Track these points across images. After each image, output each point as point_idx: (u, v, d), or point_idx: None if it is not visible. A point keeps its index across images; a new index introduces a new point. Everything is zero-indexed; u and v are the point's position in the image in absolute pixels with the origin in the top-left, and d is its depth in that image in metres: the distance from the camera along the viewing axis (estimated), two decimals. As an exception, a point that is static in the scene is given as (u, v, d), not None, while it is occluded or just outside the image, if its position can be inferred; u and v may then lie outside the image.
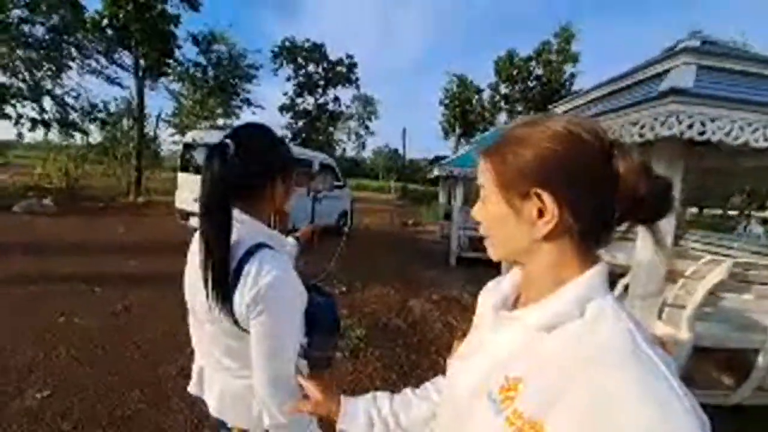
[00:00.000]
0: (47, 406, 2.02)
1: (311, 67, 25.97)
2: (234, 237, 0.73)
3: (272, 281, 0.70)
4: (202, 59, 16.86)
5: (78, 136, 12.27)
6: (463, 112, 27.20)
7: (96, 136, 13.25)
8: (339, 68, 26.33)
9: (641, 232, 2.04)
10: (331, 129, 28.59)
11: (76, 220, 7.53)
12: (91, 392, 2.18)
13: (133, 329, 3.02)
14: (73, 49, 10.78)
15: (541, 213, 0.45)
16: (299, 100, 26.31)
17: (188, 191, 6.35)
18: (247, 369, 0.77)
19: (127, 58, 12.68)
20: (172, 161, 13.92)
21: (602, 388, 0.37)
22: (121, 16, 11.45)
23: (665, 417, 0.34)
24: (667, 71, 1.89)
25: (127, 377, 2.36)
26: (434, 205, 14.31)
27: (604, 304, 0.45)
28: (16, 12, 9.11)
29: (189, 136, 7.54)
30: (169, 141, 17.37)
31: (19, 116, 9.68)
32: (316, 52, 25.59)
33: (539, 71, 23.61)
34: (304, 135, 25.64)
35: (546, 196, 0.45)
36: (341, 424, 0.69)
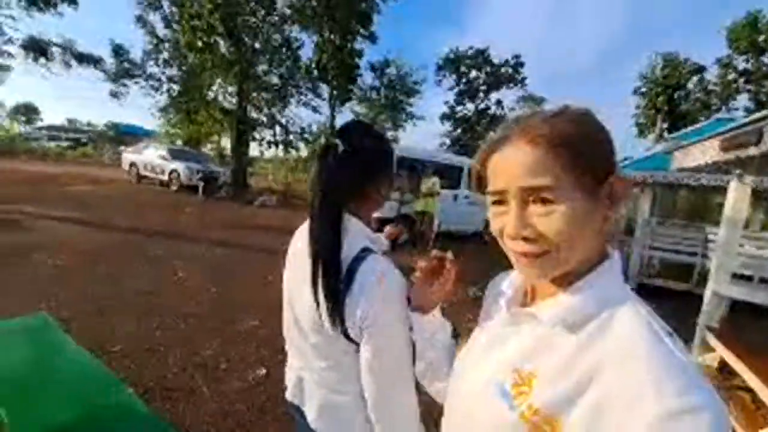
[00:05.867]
0: (257, 330, 2.96)
1: (473, 74, 25.94)
2: (342, 241, 0.69)
3: (386, 291, 0.66)
4: (377, 83, 19.69)
5: (293, 152, 16.69)
6: (670, 100, 21.03)
7: (304, 152, 17.68)
8: (503, 70, 25.25)
9: None
10: (491, 134, 27.70)
11: (286, 212, 10.27)
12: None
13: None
14: (293, 89, 14.71)
15: (614, 196, 0.44)
16: (459, 108, 26.71)
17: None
18: (350, 383, 0.72)
19: (324, 91, 16.27)
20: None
21: (621, 381, 0.37)
22: (323, 58, 14.85)
23: (687, 408, 0.33)
24: None
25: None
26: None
27: (622, 298, 0.44)
28: (261, 67, 13.22)
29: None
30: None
31: (262, 139, 14.03)
32: (479, 57, 25.38)
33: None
34: (461, 142, 25.86)
35: (617, 177, 0.44)
36: (426, 316, 0.68)
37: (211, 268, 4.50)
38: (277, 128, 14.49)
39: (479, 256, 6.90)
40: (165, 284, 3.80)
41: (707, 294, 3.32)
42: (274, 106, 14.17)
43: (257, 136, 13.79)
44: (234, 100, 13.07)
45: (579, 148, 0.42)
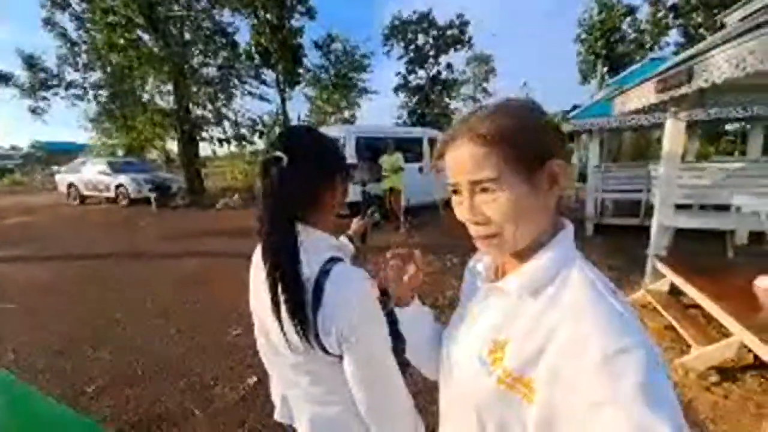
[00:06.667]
0: (241, 339, 2.90)
1: (421, 40, 25.47)
2: (302, 255, 0.65)
3: (360, 302, 0.64)
4: (324, 61, 18.88)
5: (248, 146, 15.86)
6: (608, 44, 21.89)
7: (260, 144, 16.88)
8: (450, 32, 24.98)
9: None
10: (446, 100, 27.75)
11: (252, 210, 9.90)
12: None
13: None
14: (235, 79, 13.79)
15: (554, 180, 0.49)
16: (411, 77, 26.35)
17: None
18: (338, 394, 0.70)
19: (270, 77, 15.41)
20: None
21: (572, 335, 0.42)
22: (262, 41, 13.93)
23: (621, 344, 0.39)
24: None
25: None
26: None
27: (573, 262, 0.49)
28: (196, 59, 12.24)
29: (320, 133, 8.83)
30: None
31: (211, 137, 13.21)
32: (425, 21, 24.87)
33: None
34: (419, 112, 25.74)
35: (556, 164, 0.48)
36: (408, 309, 0.71)
37: (181, 282, 4.31)
38: (226, 124, 13.65)
39: (455, 224, 7.10)
40: (134, 308, 3.60)
41: (653, 226, 3.63)
42: (218, 100, 13.26)
43: (206, 134, 12.92)
44: (172, 99, 12.08)
45: (516, 142, 0.47)
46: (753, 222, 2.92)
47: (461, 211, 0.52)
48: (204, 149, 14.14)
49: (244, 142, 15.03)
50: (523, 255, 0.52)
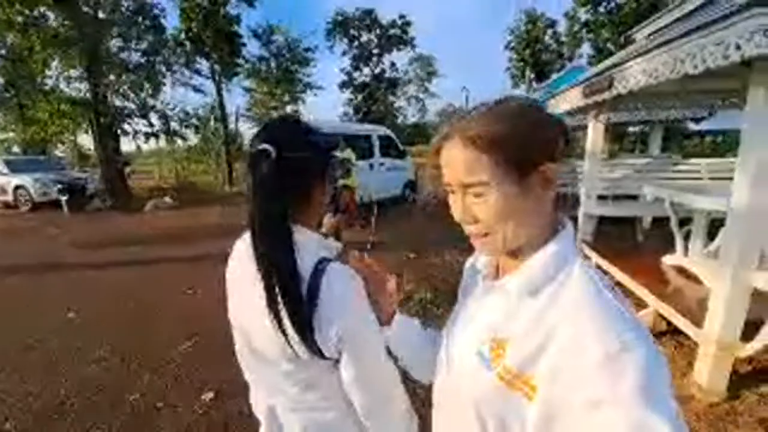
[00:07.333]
0: (192, 351, 2.65)
1: (364, 37, 25.50)
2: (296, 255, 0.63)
3: (356, 302, 0.64)
4: (264, 52, 17.92)
5: (180, 141, 14.47)
6: (534, 53, 24.10)
7: (193, 139, 15.48)
8: (392, 31, 25.37)
9: (738, 168, 1.73)
10: (390, 98, 28.18)
11: (188, 212, 9.06)
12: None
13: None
14: (163, 68, 12.46)
15: (547, 182, 0.49)
16: (356, 74, 26.29)
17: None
18: (333, 399, 0.69)
19: (204, 66, 14.19)
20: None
21: (572, 333, 0.43)
22: (193, 27, 12.75)
23: (621, 344, 0.39)
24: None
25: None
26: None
27: (574, 262, 0.49)
28: (114, 42, 10.81)
29: (263, 128, 8.38)
30: (249, 134, 19.30)
31: (135, 132, 11.76)
32: (367, 19, 24.94)
33: (631, -15, 19.35)
34: (364, 109, 25.79)
35: (548, 167, 0.48)
36: (394, 325, 0.72)
37: (110, 295, 3.80)
38: (153, 116, 12.28)
39: (407, 219, 7.25)
40: (53, 329, 3.09)
41: (580, 215, 4.15)
42: (143, 89, 11.85)
43: (129, 128, 11.47)
44: (83, 87, 10.50)
45: (507, 147, 0.47)
46: (658, 209, 3.48)
47: (455, 211, 0.53)
48: (128, 145, 12.56)
49: (175, 137, 13.68)
50: (522, 253, 0.52)
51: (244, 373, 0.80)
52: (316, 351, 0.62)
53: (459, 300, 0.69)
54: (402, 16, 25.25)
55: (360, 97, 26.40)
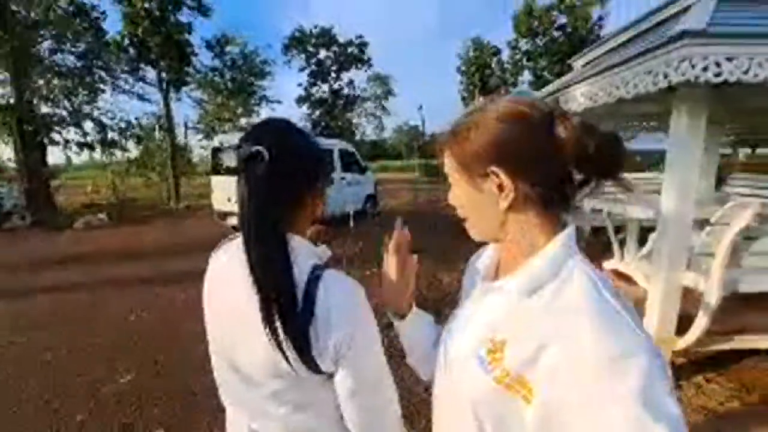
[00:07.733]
0: (135, 384, 2.35)
1: (322, 54, 25.74)
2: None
3: (355, 309, 0.62)
4: (218, 63, 17.30)
5: (119, 153, 13.23)
6: (482, 78, 25.98)
7: (134, 151, 14.21)
8: (350, 50, 25.91)
9: (665, 183, 1.97)
10: (348, 114, 28.49)
11: (128, 230, 8.24)
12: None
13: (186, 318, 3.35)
14: (102, 73, 11.48)
15: (500, 188, 0.50)
16: (314, 90, 26.30)
17: (221, 192, 6.74)
18: (323, 417, 0.66)
19: (150, 74, 13.31)
20: (204, 166, 14.66)
21: (572, 335, 0.42)
22: (139, 32, 11.96)
23: (623, 348, 0.39)
24: (686, 9, 1.74)
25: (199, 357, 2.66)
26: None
27: (573, 263, 0.49)
28: (46, 44, 9.79)
29: (217, 141, 7.96)
30: (198, 147, 18.20)
31: (66, 141, 10.58)
32: (326, 37, 25.26)
33: (563, 20, 21.87)
34: (323, 124, 25.77)
35: (501, 172, 0.49)
36: (408, 324, 0.73)
37: (28, 326, 3.29)
38: (88, 125, 11.16)
39: (368, 234, 7.23)
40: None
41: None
42: (77, 95, 10.76)
43: (57, 137, 10.26)
44: (6, 91, 9.28)
45: (463, 150, 0.54)
46: (595, 219, 3.89)
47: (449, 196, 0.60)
48: (56, 156, 11.19)
49: (113, 148, 12.51)
50: (522, 254, 0.52)
51: (222, 397, 0.74)
52: (312, 365, 0.59)
53: (460, 300, 0.69)
54: (359, 36, 25.97)
55: (318, 112, 26.39)
